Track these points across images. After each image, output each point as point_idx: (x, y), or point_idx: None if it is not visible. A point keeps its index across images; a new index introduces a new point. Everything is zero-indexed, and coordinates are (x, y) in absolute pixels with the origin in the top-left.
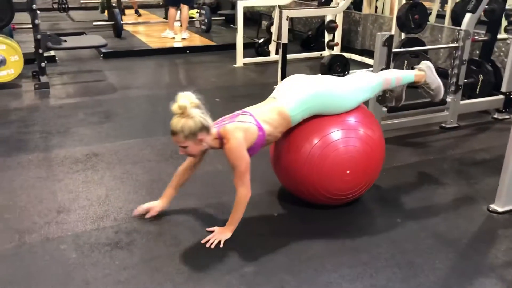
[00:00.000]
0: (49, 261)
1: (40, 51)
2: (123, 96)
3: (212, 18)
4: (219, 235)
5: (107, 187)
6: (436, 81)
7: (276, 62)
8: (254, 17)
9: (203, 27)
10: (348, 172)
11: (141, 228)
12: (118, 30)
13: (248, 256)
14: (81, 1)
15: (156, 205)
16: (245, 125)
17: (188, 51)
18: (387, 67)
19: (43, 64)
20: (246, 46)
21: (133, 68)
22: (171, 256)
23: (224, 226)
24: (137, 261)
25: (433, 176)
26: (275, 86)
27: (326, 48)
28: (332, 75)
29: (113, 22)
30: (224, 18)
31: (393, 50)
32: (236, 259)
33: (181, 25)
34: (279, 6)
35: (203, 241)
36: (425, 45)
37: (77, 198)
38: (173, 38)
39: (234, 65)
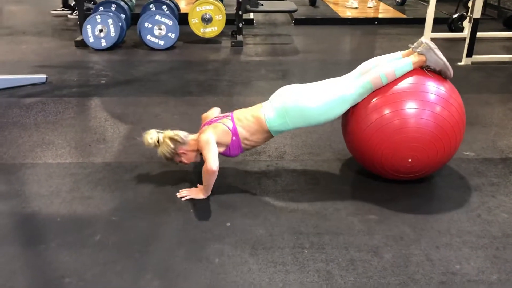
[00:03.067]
0: None
1: (240, 12)
2: (303, 59)
3: None
4: (194, 192)
5: None
6: (439, 63)
7: None
8: None
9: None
10: (409, 160)
11: (288, 166)
12: None
13: (374, 207)
14: None
15: None
16: (221, 126)
17: (376, 22)
18: None
19: (240, 25)
20: (439, 21)
21: (319, 34)
22: (306, 191)
23: (201, 188)
24: (279, 189)
25: None
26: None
27: None
28: None
29: None
30: None
31: None
32: (362, 206)
33: None
34: None
35: (179, 191)
36: None
37: None
38: (356, 8)
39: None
